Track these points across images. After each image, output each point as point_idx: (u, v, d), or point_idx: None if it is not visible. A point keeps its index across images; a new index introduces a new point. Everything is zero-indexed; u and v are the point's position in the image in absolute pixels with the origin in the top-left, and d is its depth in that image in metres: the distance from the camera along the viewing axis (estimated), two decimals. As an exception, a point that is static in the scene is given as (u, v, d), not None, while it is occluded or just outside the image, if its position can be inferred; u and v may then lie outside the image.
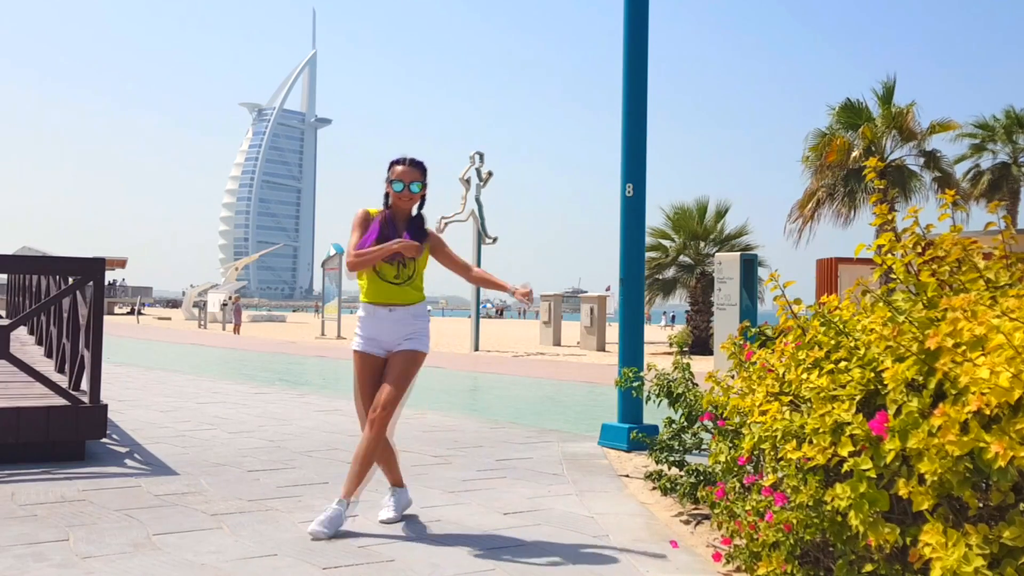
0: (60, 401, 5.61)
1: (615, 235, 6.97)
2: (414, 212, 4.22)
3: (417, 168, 4.15)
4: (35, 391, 6.02)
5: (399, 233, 4.11)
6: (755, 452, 3.26)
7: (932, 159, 23.55)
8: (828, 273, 16.54)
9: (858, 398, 2.68)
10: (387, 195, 4.17)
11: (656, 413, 5.47)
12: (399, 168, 4.13)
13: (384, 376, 4.09)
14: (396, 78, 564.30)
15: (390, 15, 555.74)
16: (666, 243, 24.88)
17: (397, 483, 4.33)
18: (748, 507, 3.16)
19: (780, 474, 2.98)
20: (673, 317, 58.46)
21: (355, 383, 4.18)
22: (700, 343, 23.28)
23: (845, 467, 2.53)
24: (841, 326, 3.02)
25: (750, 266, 14.40)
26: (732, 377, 3.81)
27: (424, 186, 4.17)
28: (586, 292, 31.94)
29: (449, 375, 15.04)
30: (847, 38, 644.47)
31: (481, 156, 24.50)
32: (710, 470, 4.31)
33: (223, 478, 5.17)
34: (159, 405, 8.84)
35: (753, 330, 4.05)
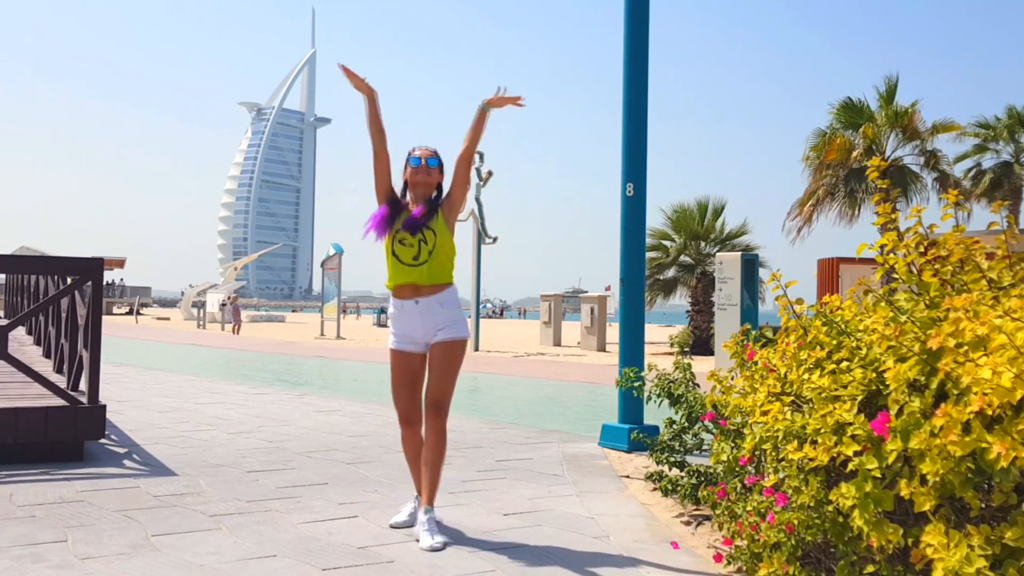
0: (59, 401, 5.59)
1: (615, 235, 6.96)
2: (434, 196, 4.11)
3: (431, 150, 4.14)
4: (33, 391, 6.00)
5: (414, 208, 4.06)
6: (756, 452, 3.25)
7: (933, 159, 23.52)
8: (829, 273, 16.54)
9: (860, 398, 2.67)
10: (405, 184, 4.13)
11: (657, 414, 5.46)
12: (416, 150, 4.13)
13: (428, 374, 4.01)
14: (396, 77, 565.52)
15: (390, 15, 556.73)
16: (667, 243, 24.85)
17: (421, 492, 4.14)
18: (749, 508, 3.15)
19: (781, 475, 2.97)
20: None
21: (391, 381, 4.13)
22: (701, 343, 23.27)
23: (850, 466, 2.52)
24: (843, 326, 3.01)
25: (751, 266, 14.36)
26: (734, 377, 3.80)
27: (441, 164, 4.14)
28: (586, 292, 31.92)
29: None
30: (848, 37, 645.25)
31: (481, 156, 24.42)
32: (711, 471, 4.30)
33: (222, 479, 5.16)
34: (158, 405, 8.82)
35: (754, 333, 4.03)
